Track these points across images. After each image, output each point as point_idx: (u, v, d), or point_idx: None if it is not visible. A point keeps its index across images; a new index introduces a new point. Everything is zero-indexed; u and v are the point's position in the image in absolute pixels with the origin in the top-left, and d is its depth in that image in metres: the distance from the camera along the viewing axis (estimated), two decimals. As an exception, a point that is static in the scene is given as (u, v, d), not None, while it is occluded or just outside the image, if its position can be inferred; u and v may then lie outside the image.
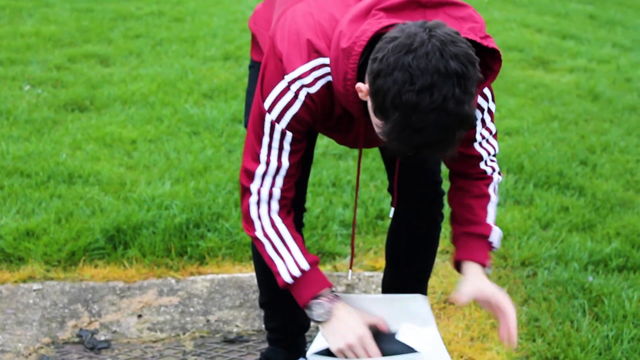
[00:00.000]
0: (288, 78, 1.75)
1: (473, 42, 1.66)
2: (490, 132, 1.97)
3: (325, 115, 1.83)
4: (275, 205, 1.89)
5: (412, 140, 1.56)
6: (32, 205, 3.18)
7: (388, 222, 3.23)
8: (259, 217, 1.89)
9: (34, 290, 2.74)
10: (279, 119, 1.78)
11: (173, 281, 2.84)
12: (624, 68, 5.60)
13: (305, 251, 1.90)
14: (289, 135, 1.81)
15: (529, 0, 7.48)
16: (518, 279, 2.95)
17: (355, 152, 3.78)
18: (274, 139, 1.82)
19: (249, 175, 1.87)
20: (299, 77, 1.74)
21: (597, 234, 3.27)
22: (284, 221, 1.90)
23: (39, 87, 4.45)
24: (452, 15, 1.74)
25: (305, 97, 1.76)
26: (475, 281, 1.89)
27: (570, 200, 3.54)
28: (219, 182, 3.42)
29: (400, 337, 1.85)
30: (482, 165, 1.99)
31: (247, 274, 2.90)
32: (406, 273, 2.33)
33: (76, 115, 4.11)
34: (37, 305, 2.67)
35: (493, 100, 1.94)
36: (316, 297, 1.86)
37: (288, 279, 1.87)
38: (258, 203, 1.88)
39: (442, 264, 2.96)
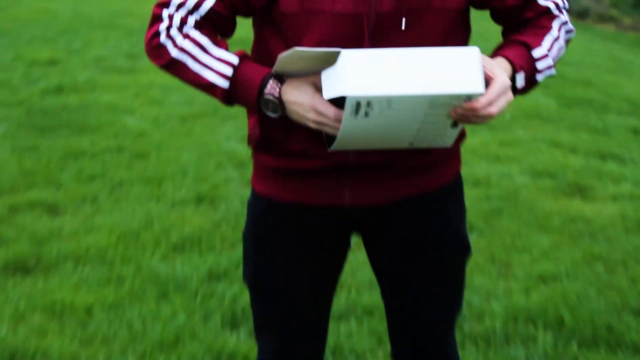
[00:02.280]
0: None
1: None
2: None
3: None
4: (190, 24, 2.04)
5: None
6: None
7: None
8: (170, 37, 2.04)
9: None
10: None
11: None
12: (679, 193, 5.70)
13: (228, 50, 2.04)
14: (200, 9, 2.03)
15: (559, 114, 7.66)
16: None
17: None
18: None
19: (164, 4, 2.05)
20: None
21: (659, 403, 3.28)
22: (201, 32, 2.04)
23: (-26, 246, 4.52)
24: None
25: None
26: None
27: (624, 361, 3.56)
28: (193, 356, 3.44)
29: None
30: (545, 12, 2.18)
31: None
32: None
33: (18, 279, 4.16)
34: None
35: None
36: (260, 92, 1.98)
37: (223, 83, 2.01)
38: (168, 28, 2.04)
39: None
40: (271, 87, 1.98)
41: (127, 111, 7.08)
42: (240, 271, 4.04)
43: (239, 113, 7.08)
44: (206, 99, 7.39)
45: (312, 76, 1.95)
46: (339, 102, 1.91)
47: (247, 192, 5.06)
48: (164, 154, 6.04)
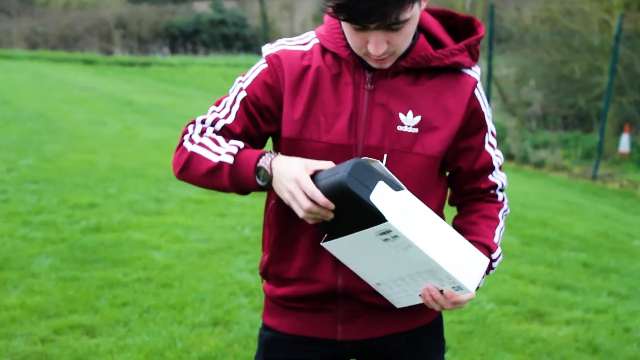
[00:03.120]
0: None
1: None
2: (499, 157, 2.27)
3: (294, 72, 2.11)
4: (208, 132, 2.15)
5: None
6: None
7: None
8: (191, 140, 2.14)
9: None
10: (244, 80, 2.16)
11: None
12: (622, 317, 5.78)
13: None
14: (243, 93, 2.15)
15: (520, 250, 7.80)
16: None
17: None
18: (232, 95, 2.17)
19: (191, 123, 2.20)
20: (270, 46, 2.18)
21: None
22: (217, 134, 2.13)
23: (23, 363, 4.58)
24: None
25: (268, 56, 2.15)
26: None
27: None
28: None
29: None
30: (493, 187, 2.27)
31: None
32: None
33: (62, 391, 4.22)
34: None
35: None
36: (257, 161, 2.02)
37: (229, 159, 2.04)
38: (191, 135, 2.16)
39: None
40: (266, 157, 2.03)
41: (155, 247, 7.20)
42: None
43: (250, 249, 7.21)
44: (222, 237, 7.56)
45: (313, 161, 1.99)
46: (330, 196, 1.87)
47: (255, 316, 5.18)
48: (186, 283, 6.14)
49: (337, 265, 2.17)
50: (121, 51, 40.85)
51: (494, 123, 17.98)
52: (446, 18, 2.20)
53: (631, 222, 10.46)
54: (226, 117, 2.15)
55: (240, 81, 2.17)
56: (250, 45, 42.25)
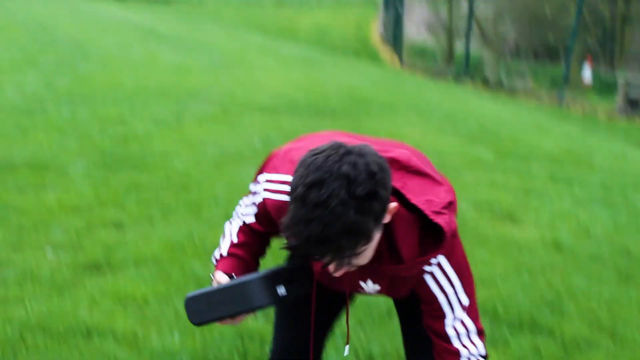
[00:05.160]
0: (264, 177, 1.93)
1: (420, 213, 1.73)
2: (466, 327, 1.88)
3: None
4: (238, 223, 2.04)
5: (301, 233, 1.54)
6: (53, 358, 3.21)
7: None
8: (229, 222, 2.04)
9: None
10: (245, 212, 2.01)
11: None
12: (583, 221, 5.74)
13: (233, 245, 1.97)
14: (246, 219, 2.00)
15: (495, 163, 7.72)
16: (498, 416, 2.95)
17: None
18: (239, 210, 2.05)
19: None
20: (271, 181, 1.88)
21: (568, 372, 3.30)
22: (239, 231, 2.01)
23: (60, 251, 4.54)
24: (421, 185, 1.79)
25: (258, 203, 1.94)
26: None
27: (542, 341, 3.58)
28: (223, 334, 3.46)
29: None
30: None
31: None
32: None
33: (94, 276, 4.18)
34: None
35: (465, 292, 1.86)
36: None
37: (216, 256, 1.99)
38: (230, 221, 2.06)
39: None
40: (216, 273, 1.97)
41: (175, 155, 7.11)
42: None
43: (260, 159, 7.13)
44: (235, 148, 7.47)
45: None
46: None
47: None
48: (202, 187, 6.07)
49: None
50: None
51: (474, 57, 17.82)
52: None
53: (592, 141, 10.38)
54: (246, 216, 2.03)
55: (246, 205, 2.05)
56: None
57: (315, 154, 1.59)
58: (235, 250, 1.95)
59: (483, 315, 3.81)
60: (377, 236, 1.65)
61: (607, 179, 7.52)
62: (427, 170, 1.81)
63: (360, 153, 1.59)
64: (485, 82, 16.39)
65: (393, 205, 1.66)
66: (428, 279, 1.85)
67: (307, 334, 2.19)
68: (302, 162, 1.59)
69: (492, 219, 5.64)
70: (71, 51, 13.74)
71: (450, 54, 19.74)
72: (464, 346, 1.88)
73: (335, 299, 2.21)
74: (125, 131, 7.99)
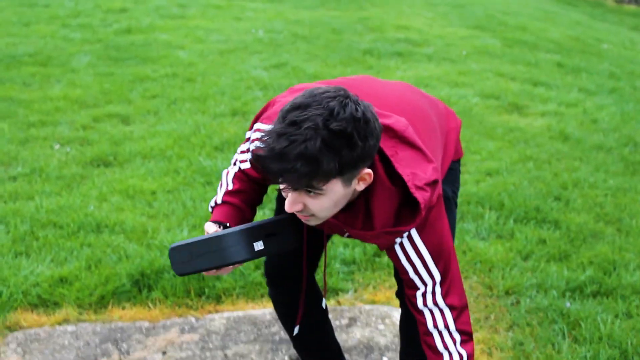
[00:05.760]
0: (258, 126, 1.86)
1: (403, 184, 1.68)
2: (436, 303, 1.84)
3: None
4: (235, 168, 1.98)
5: (268, 145, 1.53)
6: (64, 254, 3.20)
7: (385, 259, 3.25)
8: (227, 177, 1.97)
9: (69, 332, 2.75)
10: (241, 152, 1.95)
11: (193, 320, 2.85)
12: (590, 110, 5.64)
13: (228, 193, 1.93)
14: (242, 165, 1.94)
15: (502, 51, 7.54)
16: (503, 307, 2.96)
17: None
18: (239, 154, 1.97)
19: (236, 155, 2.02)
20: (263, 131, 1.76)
21: (573, 263, 3.29)
22: (234, 177, 1.95)
23: (68, 146, 4.49)
24: (411, 158, 1.72)
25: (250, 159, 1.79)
26: None
27: (547, 233, 3.55)
28: (231, 227, 3.44)
29: None
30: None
31: (260, 310, 2.91)
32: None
33: (101, 170, 4.14)
34: (72, 345, 2.68)
35: (438, 268, 1.81)
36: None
37: (212, 204, 1.94)
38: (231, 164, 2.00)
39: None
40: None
41: (179, 47, 6.96)
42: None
43: (263, 49, 6.97)
44: (239, 38, 7.30)
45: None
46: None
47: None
48: (207, 79, 5.96)
49: None
50: None
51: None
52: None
53: (600, 29, 10.12)
54: (243, 162, 1.96)
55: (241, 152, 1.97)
56: None
57: (319, 87, 1.59)
58: (230, 198, 1.92)
59: (489, 208, 3.79)
60: (337, 189, 1.61)
61: (615, 67, 7.36)
62: (420, 143, 1.75)
63: (358, 102, 1.56)
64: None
65: (367, 171, 1.63)
66: (397, 249, 1.81)
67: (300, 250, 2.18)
68: (305, 90, 1.60)
69: (499, 110, 5.54)
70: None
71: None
72: (433, 317, 1.85)
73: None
74: (129, 22, 7.80)
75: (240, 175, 1.94)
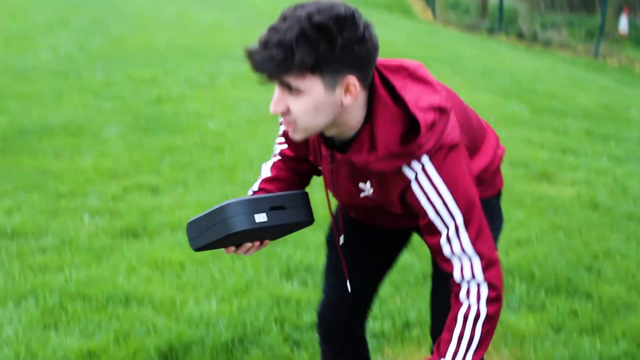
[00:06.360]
0: None
1: (407, 110, 1.73)
2: (462, 247, 1.80)
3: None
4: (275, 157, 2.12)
5: (259, 38, 1.64)
6: (93, 327, 3.23)
7: (415, 332, 3.24)
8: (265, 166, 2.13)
9: (96, 407, 2.76)
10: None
11: (221, 394, 2.85)
12: (620, 178, 5.63)
13: (265, 180, 2.04)
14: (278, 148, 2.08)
15: (530, 118, 7.59)
16: (535, 383, 2.92)
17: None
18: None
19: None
20: None
21: (606, 336, 3.25)
22: (272, 165, 2.09)
23: (97, 217, 4.56)
24: (419, 89, 1.77)
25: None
26: None
27: (579, 305, 3.52)
28: (260, 299, 3.46)
29: None
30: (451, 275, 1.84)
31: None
32: None
33: (130, 242, 4.19)
34: (99, 420, 2.68)
35: (458, 206, 1.77)
36: None
37: (249, 193, 2.05)
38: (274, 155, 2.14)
39: None
40: None
41: (208, 116, 7.09)
42: (295, 236, 4.06)
43: (291, 118, 7.08)
44: (267, 107, 7.42)
45: None
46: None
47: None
48: (236, 148, 6.05)
49: None
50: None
51: (508, 10, 17.48)
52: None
53: (628, 95, 10.14)
54: (280, 144, 2.11)
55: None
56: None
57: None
58: (267, 185, 2.01)
59: (520, 278, 3.76)
60: (317, 89, 1.65)
61: (645, 133, 7.35)
62: (432, 80, 1.80)
63: (358, 14, 1.64)
64: (520, 35, 16.05)
65: (352, 79, 1.66)
66: (415, 187, 1.78)
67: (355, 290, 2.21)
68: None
69: (528, 178, 5.55)
70: (103, 12, 13.73)
71: (484, 6, 19.37)
72: (461, 264, 1.81)
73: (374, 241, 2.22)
74: (159, 92, 7.98)
75: (279, 164, 2.05)
